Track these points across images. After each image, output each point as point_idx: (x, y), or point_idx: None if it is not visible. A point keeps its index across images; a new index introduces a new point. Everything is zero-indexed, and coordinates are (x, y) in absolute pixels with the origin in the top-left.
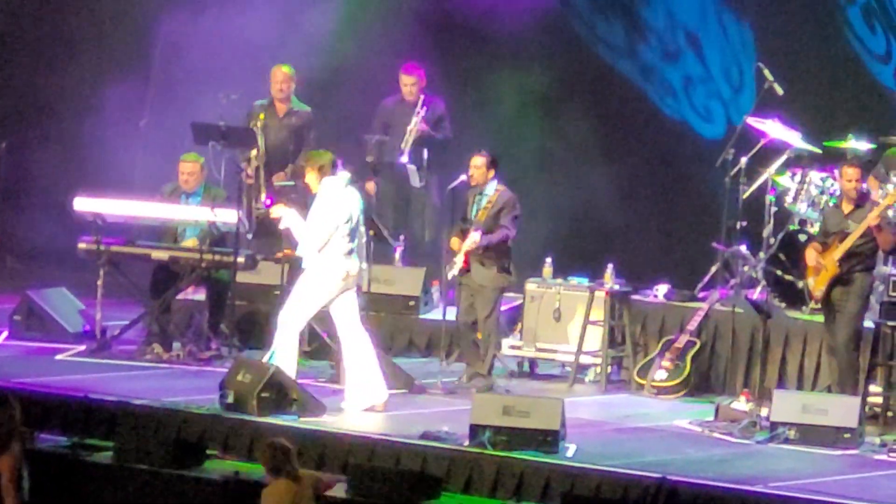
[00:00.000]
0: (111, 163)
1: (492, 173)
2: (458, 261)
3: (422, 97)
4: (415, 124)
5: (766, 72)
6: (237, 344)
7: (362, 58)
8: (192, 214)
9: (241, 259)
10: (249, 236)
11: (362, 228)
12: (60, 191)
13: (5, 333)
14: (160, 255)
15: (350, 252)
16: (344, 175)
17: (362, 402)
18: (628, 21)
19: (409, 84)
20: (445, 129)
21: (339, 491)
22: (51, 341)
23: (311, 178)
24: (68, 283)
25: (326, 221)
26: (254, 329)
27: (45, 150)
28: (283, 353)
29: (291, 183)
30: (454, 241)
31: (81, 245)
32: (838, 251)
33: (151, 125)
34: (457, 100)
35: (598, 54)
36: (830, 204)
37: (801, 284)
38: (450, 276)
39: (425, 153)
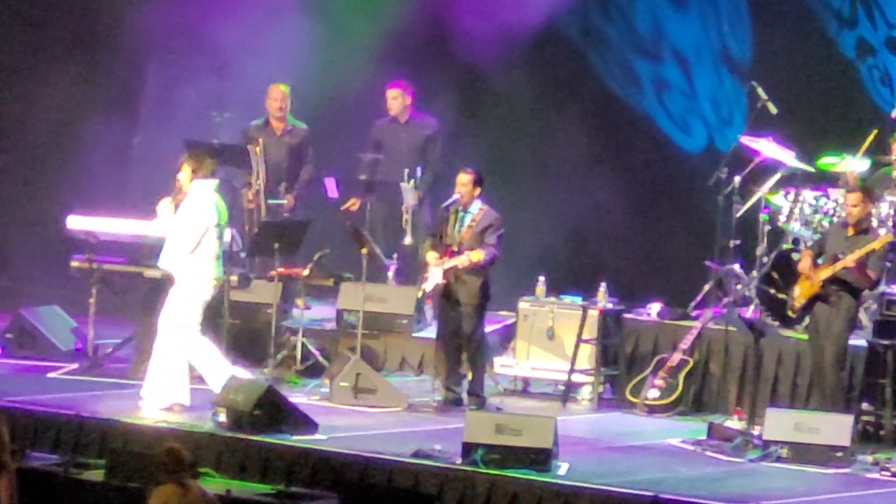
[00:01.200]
0: (104, 181)
1: (478, 191)
2: (436, 276)
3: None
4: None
5: (760, 90)
6: (230, 362)
7: (358, 77)
8: None
9: (234, 277)
10: (243, 255)
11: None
12: (53, 209)
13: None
14: (153, 272)
15: (218, 257)
16: (214, 182)
17: (163, 401)
18: (623, 39)
19: (391, 98)
20: (435, 151)
21: None
22: (43, 359)
23: (184, 174)
24: (61, 302)
25: (200, 222)
26: (247, 347)
27: (37, 168)
28: (211, 366)
29: (285, 201)
30: (430, 255)
31: (74, 263)
32: (825, 272)
33: (145, 143)
34: (449, 119)
35: (591, 73)
36: (826, 223)
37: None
38: (421, 293)
39: (419, 172)
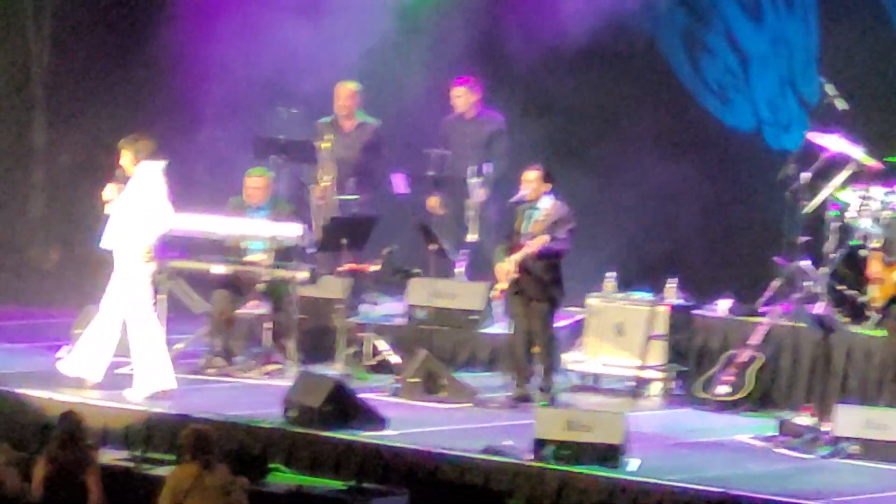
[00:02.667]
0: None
1: (547, 187)
2: (509, 271)
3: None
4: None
5: (829, 87)
6: (300, 358)
7: (427, 72)
8: (254, 228)
9: (303, 273)
10: (312, 251)
11: None
12: None
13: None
14: (221, 269)
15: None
16: (161, 163)
17: (148, 389)
18: (695, 34)
19: (456, 96)
20: (501, 147)
21: None
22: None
23: (126, 159)
24: None
25: (164, 200)
26: (316, 343)
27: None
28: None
29: (356, 196)
30: (499, 267)
31: None
32: None
33: (211, 139)
34: (517, 114)
35: (662, 68)
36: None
37: (862, 299)
38: (498, 292)
39: (485, 167)
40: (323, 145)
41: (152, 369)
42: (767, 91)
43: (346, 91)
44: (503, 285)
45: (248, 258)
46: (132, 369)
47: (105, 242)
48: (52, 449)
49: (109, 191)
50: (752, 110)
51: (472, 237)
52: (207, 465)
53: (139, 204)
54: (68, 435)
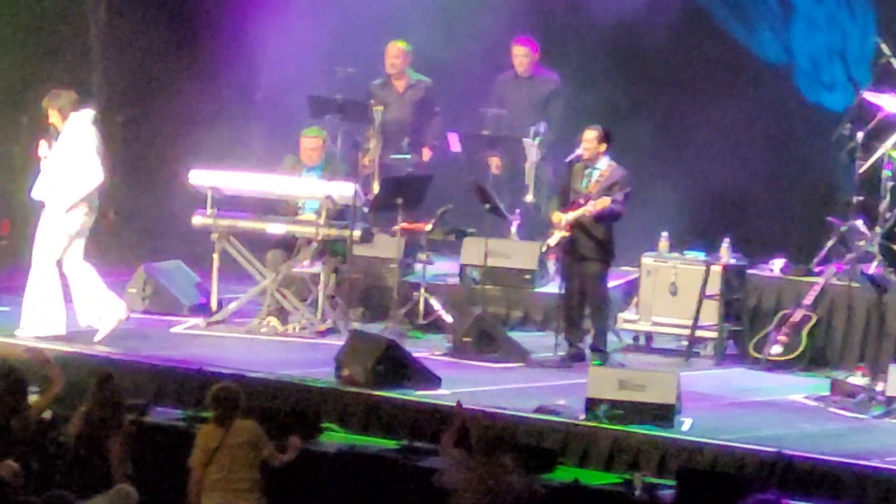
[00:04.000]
0: (227, 136)
1: (604, 147)
2: (561, 229)
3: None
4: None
5: (885, 47)
6: (353, 317)
7: (480, 30)
8: (307, 188)
9: (357, 232)
10: (366, 210)
11: None
12: (177, 164)
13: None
14: (276, 228)
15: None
16: (89, 112)
17: (35, 330)
18: None
19: (519, 55)
20: (558, 107)
21: None
22: (167, 314)
23: (53, 116)
24: (185, 257)
25: (77, 153)
26: (370, 302)
27: (161, 124)
28: (86, 295)
29: (408, 155)
30: (556, 215)
31: (196, 218)
32: None
33: (268, 99)
34: (572, 73)
35: (715, 24)
36: None
37: None
38: (545, 248)
39: (541, 127)
40: (376, 109)
41: (44, 313)
42: (809, 46)
43: (396, 50)
44: (554, 240)
45: (302, 217)
46: (187, 328)
47: (35, 193)
48: (85, 408)
49: (43, 147)
50: (783, 47)
51: (529, 198)
52: (235, 422)
53: (68, 157)
54: (101, 396)
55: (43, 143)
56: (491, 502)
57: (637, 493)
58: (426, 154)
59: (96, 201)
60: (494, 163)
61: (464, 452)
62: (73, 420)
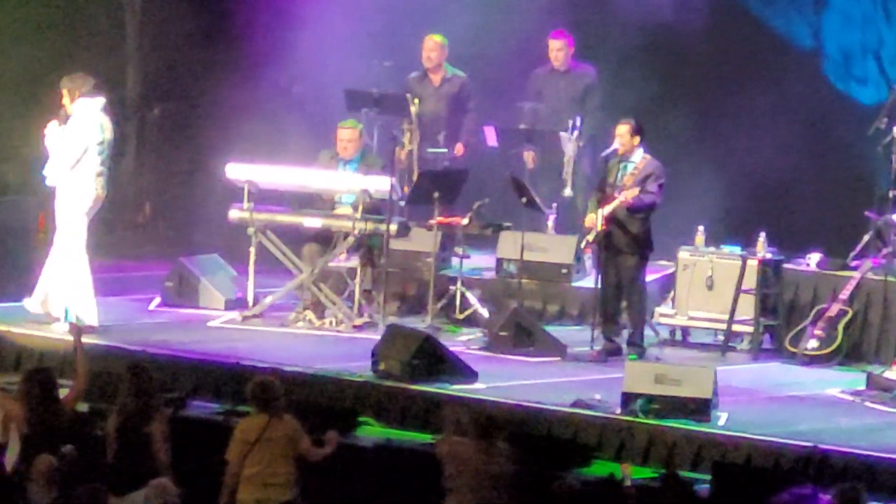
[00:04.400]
0: (263, 130)
1: (637, 140)
2: (597, 224)
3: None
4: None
5: None
6: (390, 311)
7: (517, 24)
8: (344, 182)
9: (393, 226)
10: (402, 203)
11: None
12: (213, 158)
13: (158, 300)
14: (312, 222)
15: (100, 174)
16: (100, 100)
17: (40, 307)
18: None
19: (555, 49)
20: (594, 101)
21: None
22: (203, 308)
23: (65, 97)
24: (221, 251)
25: (79, 139)
26: (406, 296)
27: (197, 117)
28: (80, 286)
29: (444, 149)
30: (589, 218)
31: (233, 212)
32: None
33: (304, 92)
34: (608, 67)
35: (750, 16)
36: None
37: None
38: (583, 244)
39: (578, 121)
40: (413, 108)
41: (79, 303)
42: (841, 39)
43: (433, 43)
44: (591, 236)
45: (338, 211)
46: (223, 322)
47: (48, 180)
48: (120, 400)
49: (51, 128)
50: (811, 33)
51: (566, 192)
52: (273, 416)
53: (70, 140)
54: (135, 387)
55: (52, 124)
56: (486, 488)
57: (626, 483)
58: (459, 149)
59: (102, 189)
60: (530, 157)
61: (458, 441)
62: (111, 414)
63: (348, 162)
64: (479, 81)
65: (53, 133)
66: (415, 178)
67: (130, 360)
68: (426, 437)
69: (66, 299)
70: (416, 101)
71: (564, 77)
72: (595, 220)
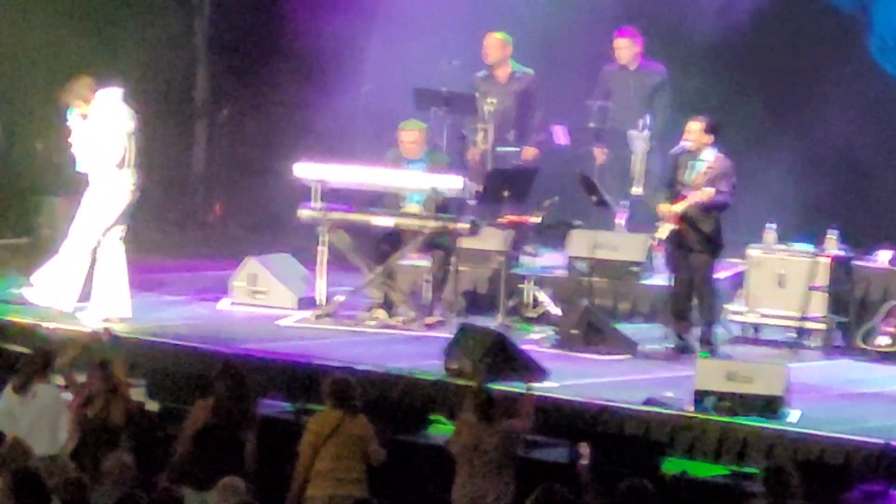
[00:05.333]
0: (333, 129)
1: (709, 139)
2: (668, 222)
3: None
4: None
5: None
6: (461, 310)
7: (585, 22)
8: (415, 180)
9: (464, 224)
10: (472, 202)
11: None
12: (283, 157)
13: (228, 299)
14: (383, 221)
15: (138, 165)
16: (117, 91)
17: (103, 313)
18: None
19: (621, 48)
20: (664, 99)
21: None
22: (274, 307)
23: (79, 106)
24: (291, 250)
25: (122, 131)
26: (477, 295)
27: (266, 117)
28: (73, 272)
29: (516, 148)
30: (663, 206)
31: (303, 211)
32: None
33: (374, 92)
34: (677, 64)
35: (825, 7)
36: None
37: None
38: (656, 240)
39: (648, 119)
40: (489, 101)
41: (111, 295)
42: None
43: (494, 41)
44: (663, 233)
45: (407, 209)
46: (295, 321)
47: (80, 166)
48: (215, 401)
49: (74, 117)
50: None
51: (636, 190)
52: (348, 413)
53: (100, 132)
54: (231, 389)
55: (74, 115)
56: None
57: (583, 462)
58: (528, 153)
59: (137, 179)
60: (600, 154)
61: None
62: (192, 413)
63: (414, 161)
64: (547, 79)
65: (77, 120)
66: (490, 169)
67: (212, 361)
68: None
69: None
70: (490, 100)
71: (634, 75)
72: (668, 208)
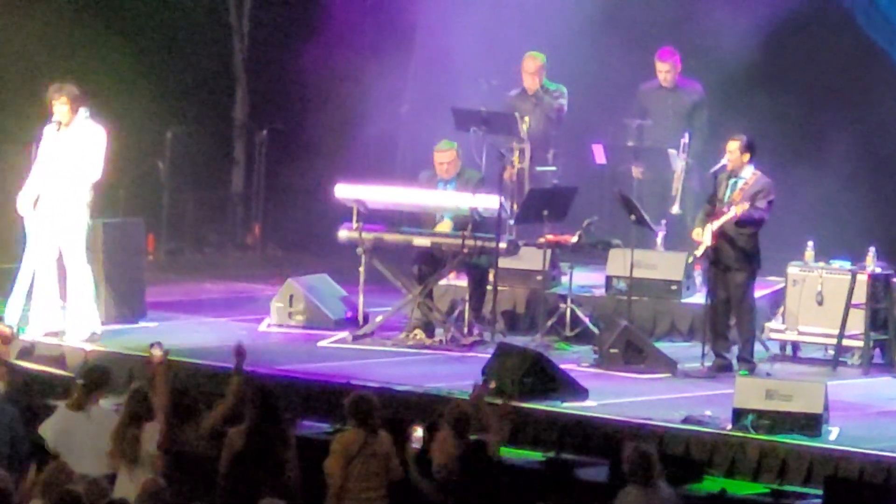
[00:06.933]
0: (373, 150)
1: (747, 157)
2: (706, 240)
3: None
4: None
5: None
6: (500, 329)
7: (621, 40)
8: (451, 200)
9: (503, 244)
10: (511, 222)
11: None
12: (322, 177)
13: (268, 320)
14: (421, 241)
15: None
16: (86, 109)
17: (85, 332)
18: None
19: (663, 71)
20: (702, 118)
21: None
22: (313, 328)
23: (62, 109)
24: (330, 270)
25: (99, 148)
26: (516, 314)
27: (305, 137)
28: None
29: (554, 168)
30: (696, 231)
31: (342, 232)
32: None
33: (413, 112)
34: (714, 83)
35: (855, 31)
36: None
37: None
38: (691, 259)
39: (686, 137)
40: (522, 125)
41: (87, 313)
42: None
43: (533, 65)
44: (699, 251)
45: (443, 228)
46: (334, 342)
47: (49, 180)
48: (247, 426)
49: (49, 134)
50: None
51: (674, 209)
52: (372, 432)
53: (76, 153)
54: (267, 411)
55: (49, 129)
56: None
57: (414, 445)
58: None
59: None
60: (638, 173)
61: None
62: (228, 440)
63: (448, 182)
64: (584, 98)
65: (52, 139)
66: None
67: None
68: (537, 455)
69: (74, 310)
70: (527, 118)
71: (672, 93)
72: (702, 234)
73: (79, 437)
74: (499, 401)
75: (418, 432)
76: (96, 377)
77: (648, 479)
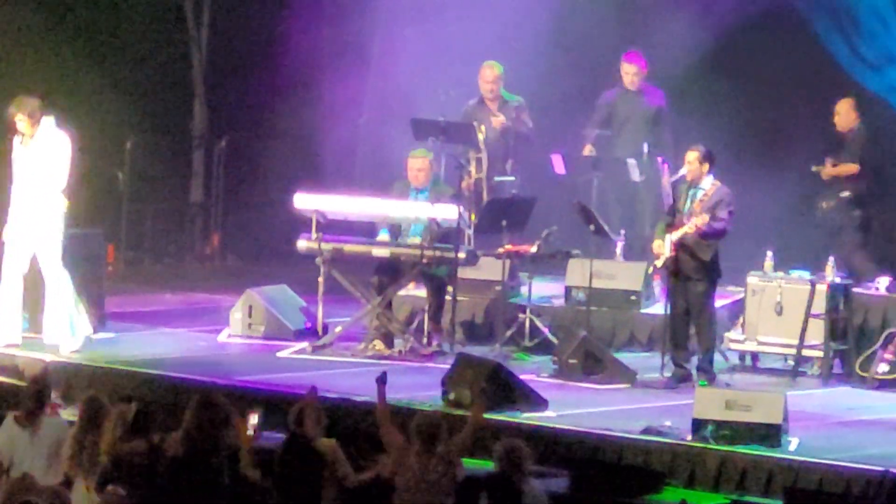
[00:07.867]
0: (332, 160)
1: (706, 167)
2: (666, 251)
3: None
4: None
5: None
6: (459, 340)
7: (581, 51)
8: (411, 210)
9: (462, 255)
10: (470, 232)
11: None
12: (281, 188)
13: (227, 331)
14: (381, 251)
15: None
16: (51, 118)
17: (78, 340)
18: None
19: (630, 73)
20: (668, 127)
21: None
22: (273, 339)
23: (23, 122)
24: (289, 281)
25: (65, 157)
26: (475, 325)
27: (264, 148)
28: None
29: (512, 178)
30: (656, 244)
31: (301, 242)
32: None
33: (371, 122)
34: (675, 95)
35: (820, 47)
36: None
37: None
38: (651, 269)
39: (645, 147)
40: (479, 135)
41: (73, 320)
42: None
43: (491, 74)
44: (660, 262)
45: (409, 240)
46: (293, 352)
47: (20, 190)
48: (183, 432)
49: (17, 148)
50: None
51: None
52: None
53: (45, 163)
54: (201, 418)
55: (16, 142)
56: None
57: (249, 432)
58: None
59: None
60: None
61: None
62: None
63: (420, 191)
64: (544, 109)
65: (19, 152)
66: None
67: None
68: (488, 465)
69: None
70: (483, 127)
71: (637, 97)
72: (662, 245)
73: (25, 448)
74: (464, 412)
75: (254, 419)
76: (40, 388)
77: (520, 474)
